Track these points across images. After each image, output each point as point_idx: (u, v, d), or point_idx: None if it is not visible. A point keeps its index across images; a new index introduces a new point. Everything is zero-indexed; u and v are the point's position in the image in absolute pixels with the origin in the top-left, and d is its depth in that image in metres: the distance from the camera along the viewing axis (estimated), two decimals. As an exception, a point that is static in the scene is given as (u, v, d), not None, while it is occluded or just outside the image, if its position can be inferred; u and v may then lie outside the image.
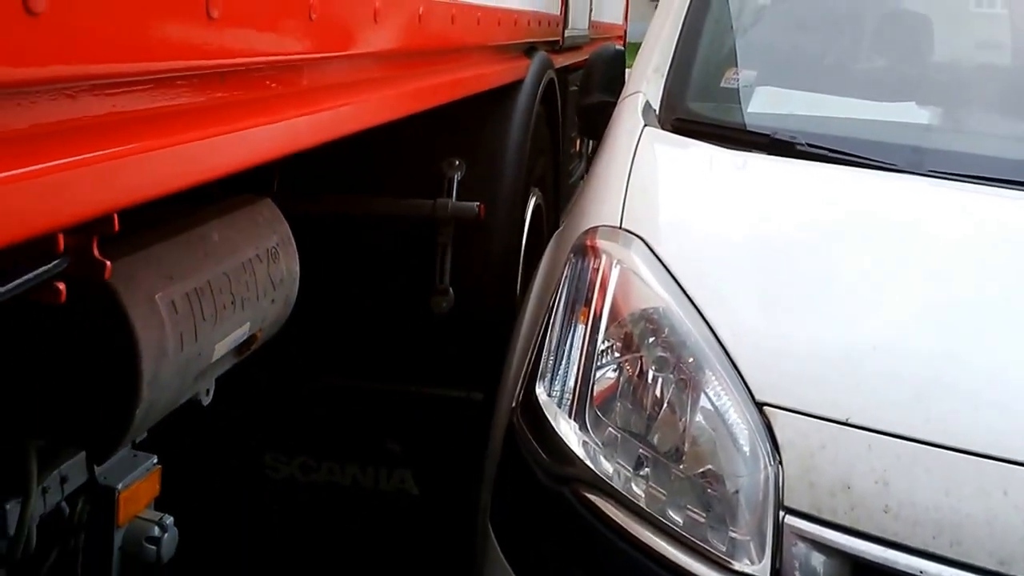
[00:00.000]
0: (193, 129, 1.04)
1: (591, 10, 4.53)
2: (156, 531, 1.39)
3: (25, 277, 0.93)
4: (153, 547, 1.40)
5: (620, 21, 6.76)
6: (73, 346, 1.19)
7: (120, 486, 1.40)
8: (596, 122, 2.89)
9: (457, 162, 2.58)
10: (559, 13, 3.68)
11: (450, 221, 2.51)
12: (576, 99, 3.29)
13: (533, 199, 3.14)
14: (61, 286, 0.98)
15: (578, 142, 5.02)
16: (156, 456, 1.48)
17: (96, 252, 1.02)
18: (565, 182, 4.31)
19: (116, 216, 0.97)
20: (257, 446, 2.51)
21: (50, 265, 0.95)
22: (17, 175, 0.77)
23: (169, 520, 1.42)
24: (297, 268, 1.69)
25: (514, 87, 2.86)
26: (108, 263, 1.04)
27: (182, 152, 1.02)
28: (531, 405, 1.78)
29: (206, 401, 1.51)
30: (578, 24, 4.09)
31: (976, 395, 1.49)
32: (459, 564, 2.26)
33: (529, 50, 3.10)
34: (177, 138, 1.01)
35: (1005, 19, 2.80)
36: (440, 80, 2.09)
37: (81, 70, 0.83)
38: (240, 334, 1.46)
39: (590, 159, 6.32)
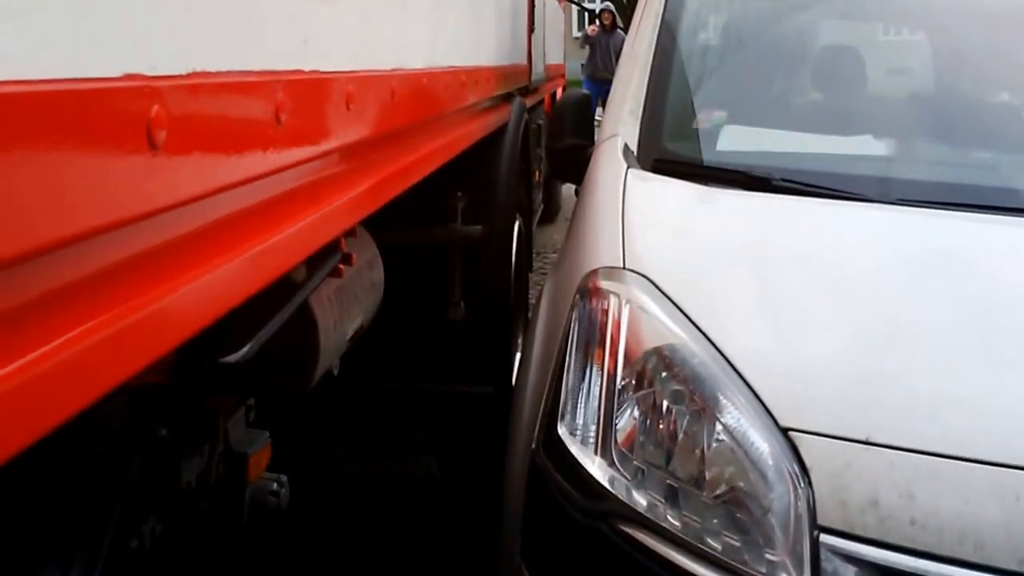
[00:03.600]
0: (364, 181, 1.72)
1: (544, 55, 4.86)
2: (275, 487, 1.74)
3: (332, 259, 1.61)
4: (275, 498, 1.76)
5: (561, 61, 7.75)
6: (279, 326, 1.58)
7: (249, 451, 1.71)
8: (568, 165, 3.01)
9: (459, 194, 3.08)
10: (527, 62, 4.29)
11: (458, 243, 3.08)
12: (546, 143, 3.48)
13: (517, 223, 3.70)
14: (342, 267, 1.66)
15: (537, 173, 5.42)
16: (268, 431, 1.79)
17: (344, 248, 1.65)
18: (533, 209, 5.12)
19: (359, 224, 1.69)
20: (301, 443, 2.80)
21: (339, 255, 1.66)
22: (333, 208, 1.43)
23: (284, 479, 1.76)
24: (383, 276, 2.20)
25: (501, 130, 3.40)
26: (353, 254, 1.69)
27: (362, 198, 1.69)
28: (554, 444, 1.85)
29: (336, 372, 1.96)
30: (538, 69, 4.64)
31: (984, 408, 1.60)
32: (477, 534, 2.88)
33: (508, 96, 3.36)
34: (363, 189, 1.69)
35: (948, 50, 2.97)
36: (457, 133, 2.65)
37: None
38: (356, 324, 1.96)
39: (547, 189, 6.73)
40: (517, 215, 3.68)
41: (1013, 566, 1.46)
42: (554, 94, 6.72)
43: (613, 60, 11.73)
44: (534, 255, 5.13)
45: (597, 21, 12.32)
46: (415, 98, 2.08)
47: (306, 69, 1.33)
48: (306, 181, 1.41)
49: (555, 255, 7.18)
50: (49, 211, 0.68)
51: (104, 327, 0.80)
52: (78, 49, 0.70)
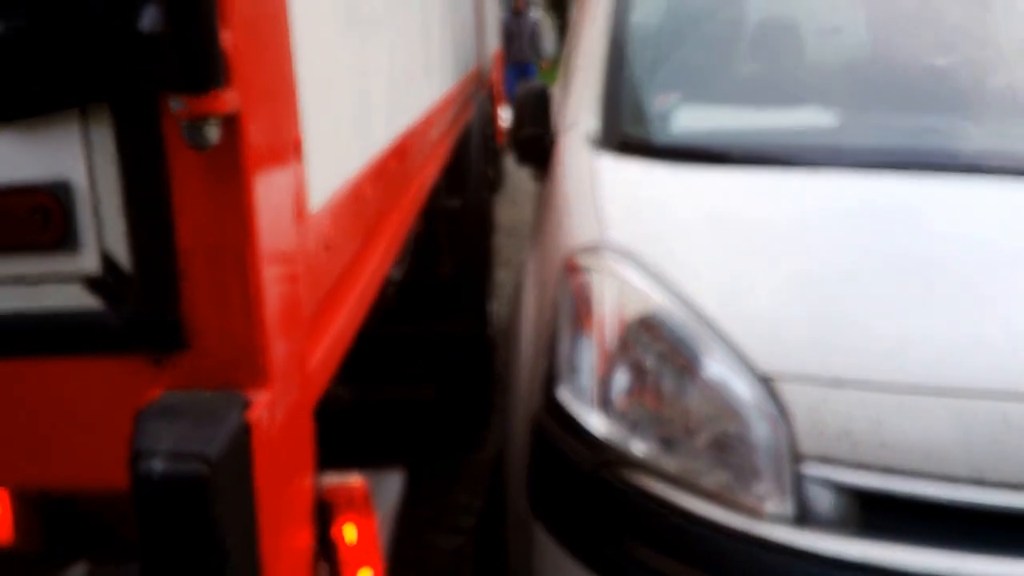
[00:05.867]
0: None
1: (488, 50, 5.43)
2: (341, 391, 1.90)
3: (416, 225, 2.58)
4: (343, 397, 1.96)
5: (497, 46, 8.65)
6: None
7: None
8: (531, 151, 3.20)
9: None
10: (478, 63, 5.25)
11: (443, 214, 3.75)
12: (510, 132, 3.69)
13: (484, 193, 4.70)
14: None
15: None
16: None
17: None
18: (491, 183, 6.34)
19: None
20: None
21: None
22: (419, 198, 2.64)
23: (346, 387, 1.96)
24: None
25: (468, 122, 4.27)
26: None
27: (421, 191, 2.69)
28: (555, 406, 2.04)
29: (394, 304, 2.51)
30: (485, 64, 5.19)
31: (937, 344, 1.83)
32: (466, 442, 4.10)
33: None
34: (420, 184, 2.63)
35: (885, 20, 3.20)
36: (452, 136, 3.56)
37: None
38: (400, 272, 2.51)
39: (494, 163, 7.32)
40: (484, 189, 4.61)
41: (970, 477, 1.69)
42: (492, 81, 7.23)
43: (525, 42, 12.39)
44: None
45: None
46: (440, 120, 3.04)
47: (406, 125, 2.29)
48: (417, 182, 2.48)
49: (502, 218, 7.61)
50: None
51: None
52: None
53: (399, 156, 2.16)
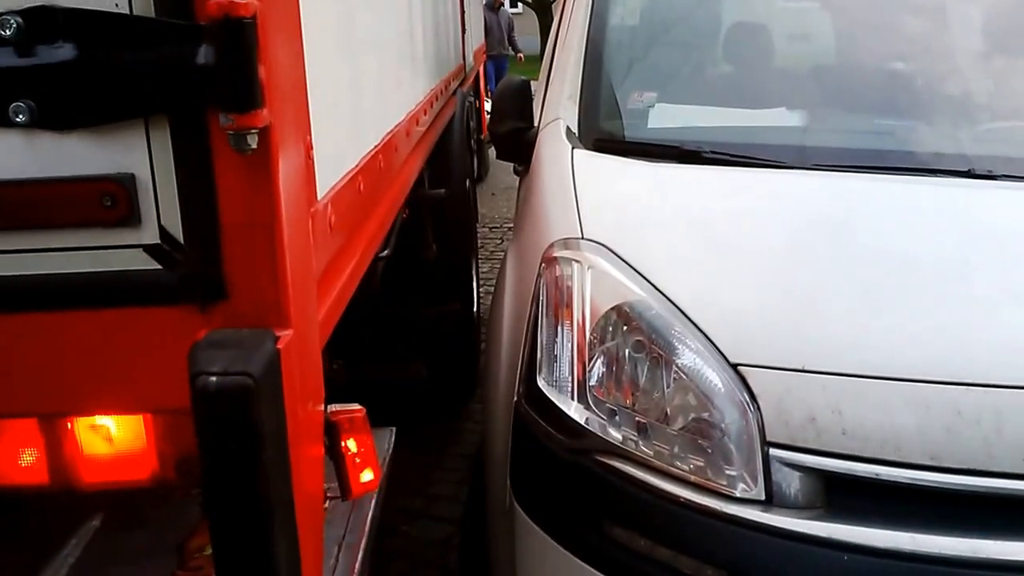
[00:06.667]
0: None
1: (472, 46, 5.60)
2: (335, 367, 2.27)
3: (401, 215, 2.76)
4: (338, 372, 2.27)
5: (481, 41, 8.95)
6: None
7: None
8: (511, 146, 3.27)
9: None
10: (462, 60, 5.49)
11: (428, 202, 3.98)
12: (489, 127, 3.73)
13: (467, 182, 4.92)
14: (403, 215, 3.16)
15: (472, 142, 6.72)
16: None
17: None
18: (474, 173, 6.42)
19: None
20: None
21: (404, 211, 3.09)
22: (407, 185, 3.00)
23: (341, 361, 2.34)
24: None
25: (451, 116, 4.54)
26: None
27: (407, 180, 3.00)
28: (535, 395, 2.12)
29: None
30: (468, 59, 5.54)
31: (896, 336, 1.92)
32: (452, 415, 4.52)
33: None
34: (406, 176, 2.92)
35: (853, 25, 3.30)
36: (432, 133, 3.76)
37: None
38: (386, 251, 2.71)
39: (478, 153, 7.50)
40: (467, 179, 4.84)
41: (925, 461, 1.79)
42: (477, 74, 7.28)
43: (505, 35, 13.06)
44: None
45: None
46: (424, 117, 3.28)
47: (388, 130, 2.51)
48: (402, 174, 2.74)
49: (484, 211, 7.72)
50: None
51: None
52: None
53: (387, 152, 2.41)
